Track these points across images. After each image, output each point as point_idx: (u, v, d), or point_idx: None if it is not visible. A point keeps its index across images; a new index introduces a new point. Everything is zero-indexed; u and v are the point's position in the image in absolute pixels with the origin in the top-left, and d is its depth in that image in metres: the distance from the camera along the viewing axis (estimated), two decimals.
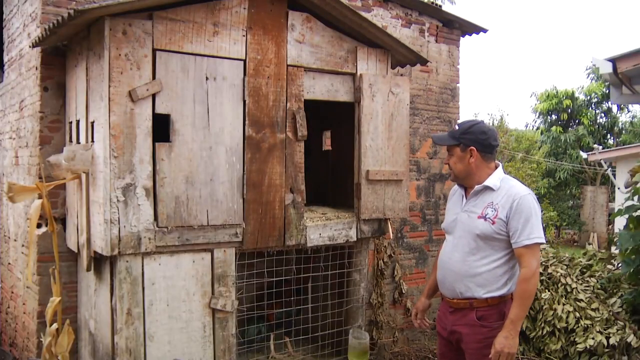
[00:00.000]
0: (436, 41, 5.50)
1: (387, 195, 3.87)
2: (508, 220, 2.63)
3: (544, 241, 2.63)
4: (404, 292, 5.11)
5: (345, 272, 3.99)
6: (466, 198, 2.81)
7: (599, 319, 4.55)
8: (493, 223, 2.65)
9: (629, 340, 4.29)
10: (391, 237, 4.31)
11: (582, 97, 19.65)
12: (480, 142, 2.75)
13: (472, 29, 5.67)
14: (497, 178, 2.75)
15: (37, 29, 3.69)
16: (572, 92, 19.45)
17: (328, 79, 3.70)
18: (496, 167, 2.80)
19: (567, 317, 4.64)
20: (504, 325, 2.56)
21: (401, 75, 4.99)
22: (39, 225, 3.61)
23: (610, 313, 4.56)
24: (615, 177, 13.00)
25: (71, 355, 3.29)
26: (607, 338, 4.37)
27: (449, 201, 2.97)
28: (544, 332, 4.73)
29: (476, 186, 2.76)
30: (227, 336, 3.32)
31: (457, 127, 2.84)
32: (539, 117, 20.40)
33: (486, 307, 2.66)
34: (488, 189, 2.73)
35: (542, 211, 2.79)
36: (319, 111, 4.16)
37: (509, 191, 2.68)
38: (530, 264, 2.56)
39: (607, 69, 5.00)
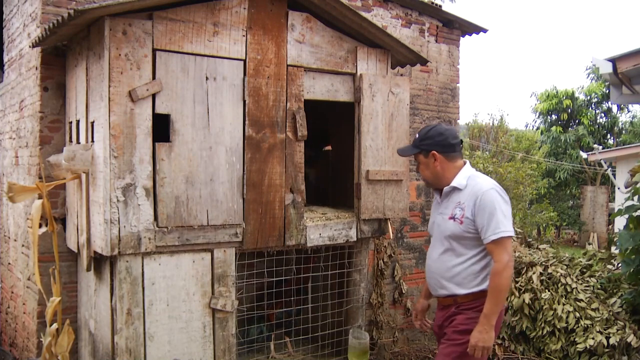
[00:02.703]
0: (436, 41, 5.50)
1: (387, 195, 3.87)
2: (474, 218, 2.65)
3: (512, 234, 2.61)
4: (404, 292, 5.11)
5: (345, 272, 3.99)
6: (440, 200, 2.86)
7: (599, 319, 4.55)
8: (461, 223, 2.69)
9: (629, 340, 4.29)
10: (391, 237, 4.31)
11: (582, 97, 19.65)
12: (439, 144, 2.78)
13: (472, 29, 5.67)
14: (464, 177, 2.77)
15: (37, 29, 3.69)
16: (572, 92, 19.45)
17: (328, 79, 3.70)
18: (463, 165, 2.81)
19: (567, 317, 4.64)
20: (479, 319, 2.58)
21: (401, 75, 4.99)
22: (39, 225, 3.61)
23: (610, 313, 4.56)
24: (615, 177, 13.00)
25: (71, 355, 3.28)
26: (607, 338, 4.37)
27: (432, 205, 3.03)
28: (544, 332, 4.73)
29: (444, 188, 2.80)
30: (227, 336, 3.32)
31: (417, 135, 2.88)
32: (539, 117, 20.41)
33: (469, 301, 2.71)
34: (456, 189, 2.76)
35: (508, 204, 2.71)
36: (317, 111, 4.16)
37: (473, 188, 2.71)
38: (501, 258, 2.57)
39: (607, 69, 5.00)
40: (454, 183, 2.76)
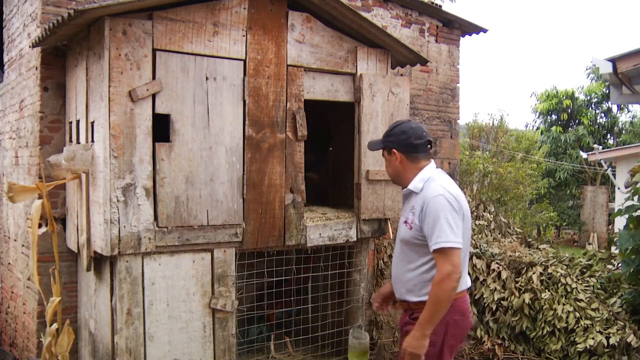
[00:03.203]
0: (436, 41, 5.50)
1: (387, 195, 3.87)
2: (421, 225, 2.54)
3: (454, 245, 2.44)
4: None
5: (345, 272, 3.99)
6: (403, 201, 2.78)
7: (599, 319, 4.55)
8: (410, 228, 2.60)
9: (629, 340, 4.29)
10: (391, 237, 4.31)
11: (582, 97, 19.65)
12: (401, 142, 2.68)
13: (472, 29, 5.67)
14: (420, 179, 2.64)
15: (37, 29, 3.69)
16: (572, 92, 19.44)
17: (328, 79, 3.70)
18: (425, 167, 2.68)
19: (567, 317, 4.64)
20: (415, 325, 2.50)
21: (401, 75, 4.99)
22: (39, 225, 3.61)
23: (610, 313, 4.56)
24: (615, 177, 13.00)
25: (71, 355, 3.28)
26: (607, 338, 4.37)
27: None
28: (544, 332, 4.73)
29: (403, 190, 2.73)
30: (227, 336, 3.32)
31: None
32: (539, 117, 20.40)
33: (421, 310, 2.58)
34: (412, 192, 2.65)
35: (458, 211, 2.52)
36: (317, 111, 4.16)
37: (424, 193, 2.58)
38: (441, 268, 2.43)
39: (607, 69, 4.99)
40: (410, 186, 2.66)
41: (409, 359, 2.51)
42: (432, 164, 2.73)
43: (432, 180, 2.61)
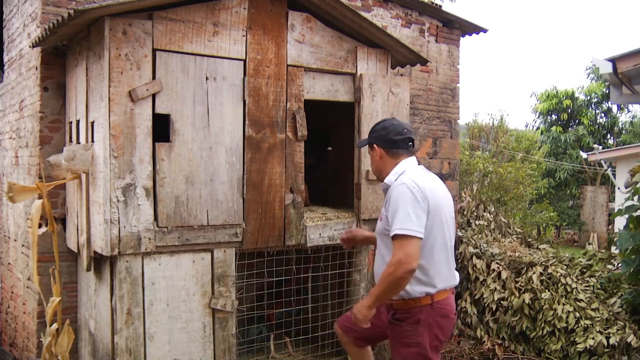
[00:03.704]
0: (436, 41, 5.50)
1: None
2: (387, 214, 2.58)
3: (409, 233, 2.43)
4: None
5: (345, 272, 3.99)
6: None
7: (599, 319, 4.55)
8: (381, 220, 2.69)
9: (629, 340, 4.29)
10: None
11: (582, 97, 19.64)
12: (381, 138, 2.75)
13: (472, 29, 5.67)
14: (395, 173, 2.69)
15: (37, 29, 3.69)
16: (572, 92, 19.43)
17: (328, 79, 3.70)
18: (402, 161, 2.72)
19: (567, 317, 4.64)
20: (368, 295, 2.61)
21: (401, 75, 4.99)
22: (39, 225, 3.61)
23: (610, 313, 4.56)
24: (615, 177, 13.00)
25: (71, 355, 3.28)
26: (607, 338, 4.37)
27: None
28: (544, 332, 4.73)
29: (382, 185, 2.77)
30: (227, 336, 3.32)
31: None
32: (539, 117, 20.39)
33: (402, 310, 2.65)
34: (387, 186, 2.69)
35: (419, 200, 2.50)
36: (317, 111, 4.16)
37: (393, 185, 2.64)
38: (393, 256, 2.45)
39: (607, 69, 4.99)
40: (385, 179, 2.72)
41: (355, 321, 2.65)
42: (411, 159, 2.76)
43: (405, 173, 2.65)
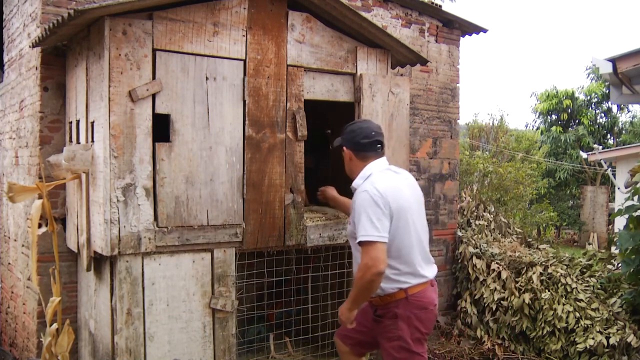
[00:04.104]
0: (436, 41, 5.50)
1: None
2: (353, 220, 2.70)
3: (372, 239, 2.53)
4: None
5: (345, 272, 3.99)
6: None
7: (599, 319, 4.55)
8: (350, 224, 2.80)
9: (629, 340, 4.29)
10: None
11: (582, 97, 19.63)
12: (349, 140, 2.85)
13: (472, 29, 5.67)
14: (361, 177, 2.79)
15: (37, 29, 3.69)
16: (572, 92, 19.42)
17: (328, 79, 3.70)
18: (370, 164, 2.81)
19: (567, 317, 4.64)
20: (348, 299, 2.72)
21: (401, 75, 4.99)
22: (39, 226, 3.61)
23: (610, 313, 4.56)
24: (615, 177, 13.00)
25: (71, 355, 3.28)
26: (607, 338, 4.37)
27: None
28: (544, 332, 4.73)
29: (351, 187, 2.86)
30: (227, 336, 3.32)
31: None
32: (539, 117, 20.39)
33: (381, 306, 2.77)
34: (355, 189, 2.79)
35: (380, 205, 2.60)
36: (317, 111, 4.16)
37: (357, 190, 2.75)
38: (361, 262, 2.57)
39: (607, 69, 4.99)
40: (353, 183, 2.82)
41: (340, 322, 2.79)
42: (380, 161, 2.83)
43: (369, 178, 2.75)
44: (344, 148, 2.86)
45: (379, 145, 2.82)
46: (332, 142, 3.05)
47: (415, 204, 2.78)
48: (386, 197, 2.62)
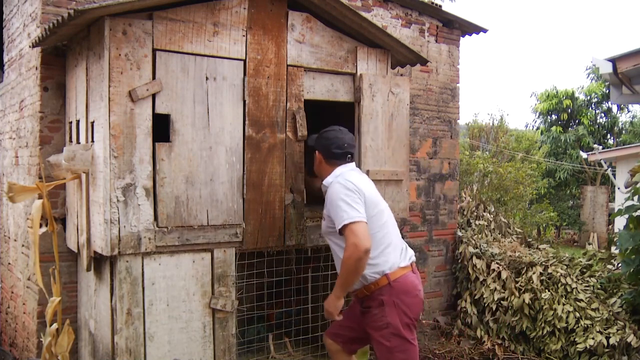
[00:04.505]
0: (436, 41, 5.50)
1: (387, 195, 3.86)
2: (329, 214, 2.82)
3: (354, 219, 2.66)
4: None
5: None
6: None
7: (599, 319, 4.55)
8: (324, 219, 2.94)
9: (629, 340, 4.29)
10: None
11: (582, 97, 19.64)
12: (323, 147, 3.05)
13: (472, 28, 5.67)
14: (333, 175, 2.95)
15: (37, 29, 3.69)
16: (572, 92, 19.43)
17: (328, 79, 3.70)
18: (339, 167, 2.99)
19: (567, 317, 4.64)
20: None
21: (401, 75, 4.99)
22: (39, 226, 3.61)
23: (610, 313, 4.56)
24: (615, 177, 13.00)
25: (71, 355, 3.28)
26: (607, 338, 4.37)
27: None
28: (544, 332, 4.73)
29: (322, 186, 3.02)
30: (227, 336, 3.32)
31: None
32: (539, 117, 20.39)
33: (365, 296, 2.87)
34: (326, 188, 2.93)
35: (351, 189, 2.77)
36: (317, 111, 4.16)
37: (329, 185, 2.90)
38: (347, 242, 2.68)
39: (607, 69, 4.99)
40: (324, 182, 2.98)
41: (327, 315, 2.88)
42: (349, 165, 3.02)
43: (340, 175, 2.91)
44: (316, 152, 3.06)
45: (349, 157, 3.02)
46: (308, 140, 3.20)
47: (380, 197, 2.98)
48: (358, 186, 2.79)
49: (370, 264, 2.78)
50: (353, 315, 3.01)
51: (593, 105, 19.69)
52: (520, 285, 5.01)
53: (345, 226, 2.67)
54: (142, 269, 3.05)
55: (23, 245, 4.20)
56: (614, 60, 4.93)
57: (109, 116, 2.90)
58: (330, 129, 3.09)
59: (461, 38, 5.72)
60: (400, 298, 2.80)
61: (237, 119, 3.30)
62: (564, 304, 4.71)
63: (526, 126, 21.44)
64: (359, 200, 2.73)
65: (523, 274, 5.11)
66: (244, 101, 3.32)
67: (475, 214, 6.64)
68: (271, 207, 3.43)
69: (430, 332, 5.34)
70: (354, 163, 3.06)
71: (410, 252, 3.00)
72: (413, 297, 2.84)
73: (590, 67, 19.89)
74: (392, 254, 2.86)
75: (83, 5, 2.76)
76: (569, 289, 4.84)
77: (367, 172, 3.76)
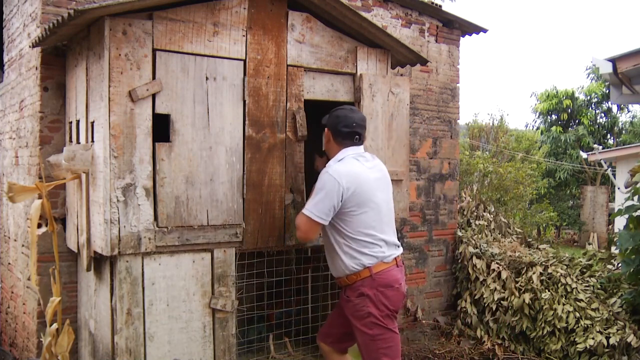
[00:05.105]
0: (436, 41, 5.50)
1: None
2: None
3: (306, 213, 2.83)
4: None
5: None
6: None
7: (599, 319, 4.55)
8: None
9: (629, 340, 4.29)
10: None
11: (582, 97, 19.64)
12: (332, 125, 3.03)
13: (472, 28, 5.67)
14: (335, 159, 2.97)
15: (37, 29, 3.69)
16: (572, 92, 19.43)
17: (328, 79, 3.70)
18: (346, 148, 3.00)
19: (567, 317, 4.64)
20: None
21: (401, 75, 4.99)
22: (39, 225, 3.61)
23: (610, 313, 4.56)
24: (615, 177, 13.00)
25: (71, 355, 3.28)
26: (607, 338, 4.37)
27: None
28: (544, 332, 4.73)
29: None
30: (227, 336, 3.32)
31: None
32: (539, 117, 20.40)
33: (346, 286, 2.95)
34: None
35: (334, 192, 2.83)
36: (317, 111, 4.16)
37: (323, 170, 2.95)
38: (297, 222, 2.94)
39: (607, 69, 4.99)
40: (327, 164, 3.00)
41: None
42: (355, 147, 3.02)
43: (339, 162, 2.94)
44: (326, 129, 3.06)
45: (357, 137, 3.00)
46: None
47: (380, 190, 2.96)
48: (347, 184, 2.81)
49: (355, 257, 2.86)
50: (341, 311, 3.07)
51: (593, 105, 19.70)
52: (520, 285, 5.01)
53: (303, 213, 2.85)
54: (142, 269, 3.05)
55: (23, 245, 4.20)
56: (614, 60, 4.93)
57: (109, 116, 2.90)
58: (342, 107, 3.09)
59: (461, 38, 5.72)
60: (381, 291, 2.86)
61: (237, 119, 3.30)
62: (564, 304, 4.71)
63: (526, 126, 21.46)
64: (331, 205, 2.81)
65: (523, 274, 5.12)
66: (244, 101, 3.32)
67: (475, 214, 6.64)
68: (271, 207, 3.43)
69: (430, 332, 5.34)
70: (362, 147, 3.05)
71: (399, 249, 3.05)
72: (394, 290, 2.90)
73: (590, 67, 19.90)
74: (379, 249, 2.90)
75: (83, 5, 2.76)
76: (569, 289, 4.84)
77: None
